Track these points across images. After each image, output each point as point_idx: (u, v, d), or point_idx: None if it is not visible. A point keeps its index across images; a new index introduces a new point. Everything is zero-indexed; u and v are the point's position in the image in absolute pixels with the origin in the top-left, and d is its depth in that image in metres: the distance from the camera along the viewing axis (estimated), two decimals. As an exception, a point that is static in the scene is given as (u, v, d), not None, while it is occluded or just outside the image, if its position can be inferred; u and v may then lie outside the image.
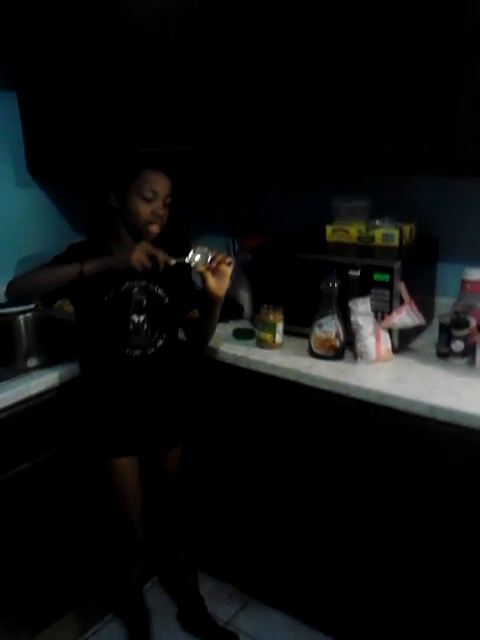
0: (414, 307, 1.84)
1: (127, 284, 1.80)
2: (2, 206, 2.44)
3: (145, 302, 1.83)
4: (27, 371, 1.94)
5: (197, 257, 1.76)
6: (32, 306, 2.38)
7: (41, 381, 1.86)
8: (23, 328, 2.37)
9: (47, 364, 1.98)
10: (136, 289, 1.82)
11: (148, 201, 1.75)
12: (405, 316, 1.83)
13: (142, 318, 1.83)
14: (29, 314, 2.38)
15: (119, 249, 1.80)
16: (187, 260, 1.75)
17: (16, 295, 1.89)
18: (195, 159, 2.18)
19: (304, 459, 1.92)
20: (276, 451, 1.98)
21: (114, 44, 2.16)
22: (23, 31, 2.30)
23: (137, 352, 1.82)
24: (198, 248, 1.77)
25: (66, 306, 2.37)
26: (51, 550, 1.99)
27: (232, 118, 2.08)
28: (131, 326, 1.81)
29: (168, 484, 2.02)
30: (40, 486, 1.91)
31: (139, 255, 1.70)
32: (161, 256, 1.72)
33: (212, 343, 1.99)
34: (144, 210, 1.75)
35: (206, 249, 1.77)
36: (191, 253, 1.76)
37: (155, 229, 1.79)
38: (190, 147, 2.17)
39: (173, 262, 1.74)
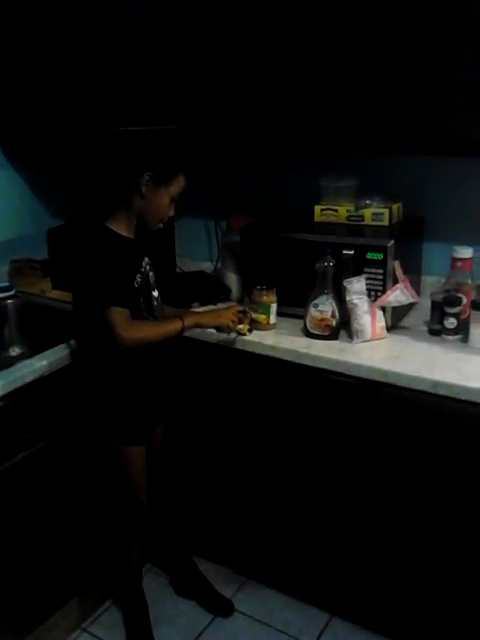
0: (408, 285, 1.86)
1: (143, 263, 1.82)
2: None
3: (154, 276, 1.86)
4: (13, 359, 1.90)
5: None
6: (13, 292, 2.32)
7: (33, 369, 1.81)
8: (5, 314, 2.30)
9: (33, 352, 1.93)
10: (147, 266, 1.84)
11: (172, 201, 1.77)
12: (400, 294, 1.86)
13: (157, 293, 1.88)
14: (11, 301, 2.31)
15: (123, 229, 1.76)
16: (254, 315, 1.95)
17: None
18: (178, 138, 2.13)
19: (304, 438, 1.93)
20: (275, 431, 1.99)
21: (92, 19, 2.10)
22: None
23: None
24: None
25: (49, 292, 2.33)
26: (49, 539, 1.96)
27: (215, 95, 2.07)
28: (155, 303, 1.85)
29: (156, 459, 2.03)
30: (38, 475, 1.87)
31: (232, 318, 1.85)
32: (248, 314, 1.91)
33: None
34: (166, 209, 1.77)
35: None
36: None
37: (161, 226, 1.83)
38: (173, 126, 2.14)
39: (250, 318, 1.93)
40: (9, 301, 2.31)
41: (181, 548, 2.25)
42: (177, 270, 2.48)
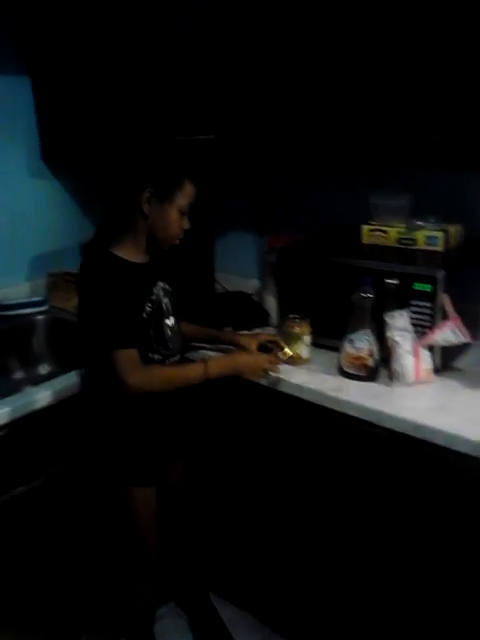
0: (459, 323, 1.61)
1: (154, 290, 1.65)
2: (15, 195, 2.29)
3: (170, 302, 1.69)
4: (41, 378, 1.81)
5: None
6: (45, 307, 2.24)
7: (38, 397, 1.71)
8: (36, 330, 2.22)
9: (62, 370, 1.85)
10: (161, 292, 1.67)
11: (182, 214, 1.59)
12: (449, 333, 1.60)
13: (173, 320, 1.69)
14: (42, 316, 2.23)
15: (131, 253, 1.59)
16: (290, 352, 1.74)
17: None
18: (218, 149, 1.99)
19: (330, 489, 1.72)
20: (299, 478, 1.78)
21: (132, 28, 1.97)
22: (36, 14, 2.13)
23: (176, 358, 1.69)
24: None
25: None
26: (51, 576, 1.86)
27: (258, 102, 1.88)
28: (169, 332, 1.67)
29: (174, 498, 1.90)
30: (40, 507, 1.77)
31: (267, 365, 1.66)
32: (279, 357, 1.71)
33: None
34: (177, 223, 1.59)
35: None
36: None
37: (177, 242, 1.64)
38: (212, 136, 1.98)
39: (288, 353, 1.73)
40: (40, 316, 2.23)
41: (201, 590, 2.10)
42: (218, 287, 2.33)
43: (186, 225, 1.61)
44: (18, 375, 2.15)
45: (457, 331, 1.60)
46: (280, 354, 1.72)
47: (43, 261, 2.37)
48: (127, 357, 1.50)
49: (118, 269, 1.55)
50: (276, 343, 1.78)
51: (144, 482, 1.71)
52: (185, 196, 1.56)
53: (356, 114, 1.70)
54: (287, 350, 1.73)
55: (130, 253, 1.58)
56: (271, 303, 2.06)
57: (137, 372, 1.52)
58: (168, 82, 1.99)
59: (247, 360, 1.67)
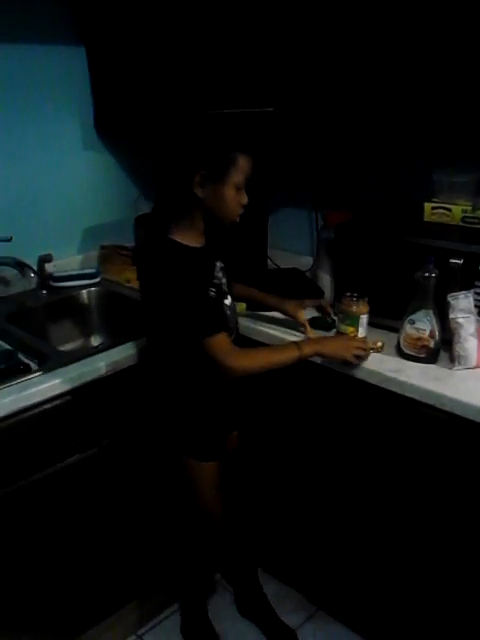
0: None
1: (215, 273, 1.63)
2: (70, 166, 2.28)
3: (226, 281, 1.67)
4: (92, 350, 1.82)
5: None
6: (98, 280, 2.24)
7: (93, 369, 1.71)
8: (89, 302, 2.23)
9: (113, 342, 1.85)
10: (220, 273, 1.65)
11: (238, 190, 1.52)
12: None
13: (229, 299, 1.69)
14: (95, 288, 2.23)
15: (191, 238, 1.56)
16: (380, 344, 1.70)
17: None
18: (276, 122, 1.94)
19: (385, 471, 1.69)
20: (354, 459, 1.76)
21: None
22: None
23: (233, 336, 1.67)
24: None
25: (134, 282, 2.23)
26: (106, 540, 1.88)
27: (318, 75, 1.82)
28: (228, 312, 1.67)
29: (228, 472, 1.87)
30: (95, 476, 1.79)
31: (357, 352, 1.58)
32: (369, 343, 1.65)
33: (284, 330, 1.81)
34: (235, 200, 1.52)
35: None
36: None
37: (238, 219, 1.59)
38: (270, 108, 1.93)
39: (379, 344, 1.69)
40: (93, 288, 2.23)
41: (249, 566, 2.10)
42: (270, 264, 2.30)
43: (244, 200, 1.55)
44: (69, 346, 2.16)
45: None
46: (371, 343, 1.68)
47: (95, 233, 2.37)
48: (221, 343, 1.48)
49: (187, 258, 1.51)
50: (323, 307, 1.79)
51: (208, 457, 1.71)
52: (240, 171, 1.49)
53: (421, 89, 1.64)
54: (380, 343, 1.69)
55: (190, 238, 1.54)
56: (325, 281, 2.03)
57: (238, 356, 1.50)
58: (226, 53, 1.93)
59: (339, 345, 1.60)
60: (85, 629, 1.91)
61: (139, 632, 2.05)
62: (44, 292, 2.16)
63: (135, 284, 2.18)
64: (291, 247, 2.37)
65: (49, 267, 2.18)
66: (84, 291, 2.21)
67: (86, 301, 2.22)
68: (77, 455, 1.71)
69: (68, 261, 2.29)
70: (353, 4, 1.69)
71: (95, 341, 2.23)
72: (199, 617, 2.00)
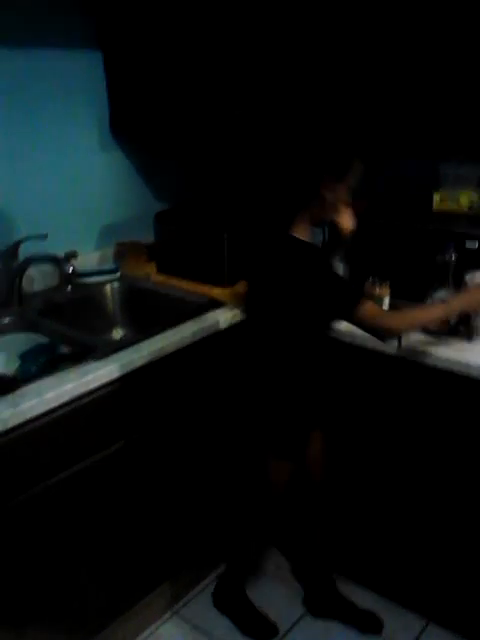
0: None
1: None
2: (85, 166, 2.35)
3: None
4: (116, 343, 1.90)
5: None
6: (118, 274, 2.33)
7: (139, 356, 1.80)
8: (111, 296, 2.31)
9: (136, 334, 1.94)
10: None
11: (350, 189, 1.65)
12: None
13: None
14: (116, 283, 2.32)
15: (306, 235, 1.65)
16: None
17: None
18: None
19: (430, 445, 1.83)
20: (404, 438, 1.88)
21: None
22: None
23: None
24: None
25: (154, 276, 2.33)
26: (143, 522, 1.97)
27: (335, 75, 1.97)
28: None
29: (311, 475, 1.96)
30: (130, 464, 1.87)
31: None
32: None
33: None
34: (347, 200, 1.66)
35: None
36: None
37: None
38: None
39: None
40: (115, 283, 2.31)
41: (326, 567, 2.13)
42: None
43: (350, 200, 1.68)
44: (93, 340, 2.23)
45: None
46: None
47: (112, 231, 2.45)
48: (373, 308, 1.60)
49: (317, 253, 1.65)
50: None
51: (290, 457, 1.80)
52: (355, 174, 1.62)
53: (427, 87, 1.81)
54: None
55: (305, 235, 1.65)
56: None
57: (394, 317, 1.65)
58: (240, 55, 2.04)
59: (470, 299, 1.69)
60: (123, 611, 1.98)
61: (175, 608, 2.15)
62: (69, 288, 2.23)
63: (156, 278, 2.31)
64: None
65: (71, 264, 2.25)
66: (107, 286, 2.29)
67: (109, 295, 2.31)
68: (122, 441, 1.81)
69: (86, 258, 2.36)
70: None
71: (117, 334, 2.32)
72: (238, 590, 2.10)
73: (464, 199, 1.94)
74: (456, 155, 1.98)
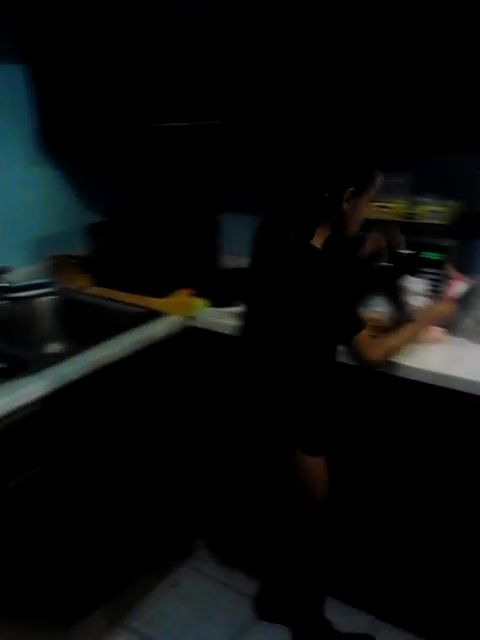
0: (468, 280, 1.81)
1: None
2: (13, 181, 2.30)
3: None
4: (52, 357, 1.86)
5: None
6: (52, 288, 2.27)
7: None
8: (45, 310, 2.26)
9: (73, 349, 1.90)
10: None
11: (368, 203, 1.65)
12: (462, 286, 1.80)
13: None
14: (50, 297, 2.26)
15: (320, 243, 1.63)
16: None
17: None
18: (223, 134, 2.10)
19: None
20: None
21: (135, 13, 2.02)
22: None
23: None
24: None
25: (89, 288, 2.29)
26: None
27: (261, 90, 2.00)
28: None
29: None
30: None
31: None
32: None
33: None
34: (366, 213, 1.66)
35: None
36: None
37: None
38: (217, 121, 2.09)
39: None
40: (48, 297, 2.26)
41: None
42: (221, 266, 2.43)
43: (368, 213, 1.69)
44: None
45: (466, 284, 1.79)
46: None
47: (44, 244, 2.40)
48: (366, 337, 1.60)
49: (338, 265, 1.60)
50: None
51: (322, 451, 1.74)
52: (375, 187, 1.64)
53: (358, 101, 1.84)
54: None
55: (321, 245, 1.63)
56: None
57: (375, 348, 1.62)
58: (170, 68, 2.05)
59: (437, 311, 1.79)
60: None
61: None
62: (2, 303, 2.16)
63: (92, 290, 2.27)
64: (237, 251, 2.51)
65: (4, 279, 2.19)
66: (42, 300, 2.24)
67: (44, 309, 2.25)
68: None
69: (19, 272, 2.30)
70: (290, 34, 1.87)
71: (53, 348, 2.26)
72: (323, 619, 1.96)
73: (397, 207, 1.98)
74: (385, 166, 2.02)
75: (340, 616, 2.01)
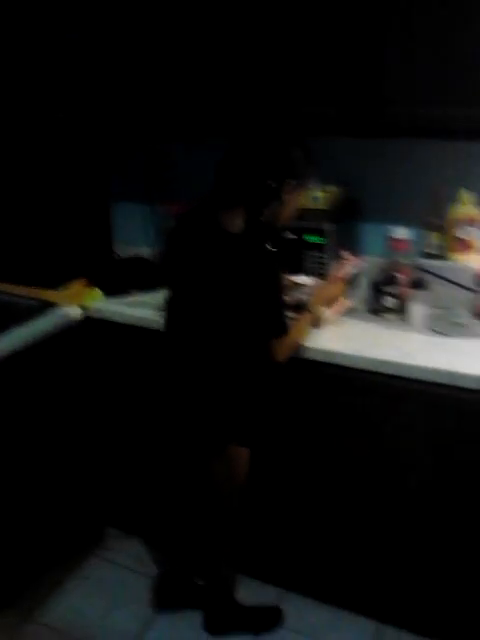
0: (353, 258, 1.90)
1: None
2: None
3: None
4: None
5: None
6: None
7: None
8: None
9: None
10: None
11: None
12: (350, 267, 1.88)
13: None
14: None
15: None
16: None
17: None
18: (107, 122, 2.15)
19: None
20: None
21: None
22: None
23: None
24: None
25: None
26: None
27: (135, 80, 2.05)
28: None
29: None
30: None
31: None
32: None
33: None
34: (299, 205, 1.71)
35: None
36: None
37: None
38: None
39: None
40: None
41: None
42: (114, 256, 2.44)
43: (300, 205, 1.73)
44: None
45: (355, 264, 1.89)
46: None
47: None
48: (285, 340, 1.65)
49: (273, 257, 1.61)
50: None
51: (250, 442, 1.79)
52: (310, 180, 1.70)
53: (230, 84, 1.91)
54: None
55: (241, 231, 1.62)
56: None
57: (285, 350, 1.67)
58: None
59: (327, 293, 1.83)
60: None
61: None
62: None
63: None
64: (128, 239, 2.52)
65: None
66: None
67: None
68: None
69: None
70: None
71: None
72: (234, 601, 2.01)
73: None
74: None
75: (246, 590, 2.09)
